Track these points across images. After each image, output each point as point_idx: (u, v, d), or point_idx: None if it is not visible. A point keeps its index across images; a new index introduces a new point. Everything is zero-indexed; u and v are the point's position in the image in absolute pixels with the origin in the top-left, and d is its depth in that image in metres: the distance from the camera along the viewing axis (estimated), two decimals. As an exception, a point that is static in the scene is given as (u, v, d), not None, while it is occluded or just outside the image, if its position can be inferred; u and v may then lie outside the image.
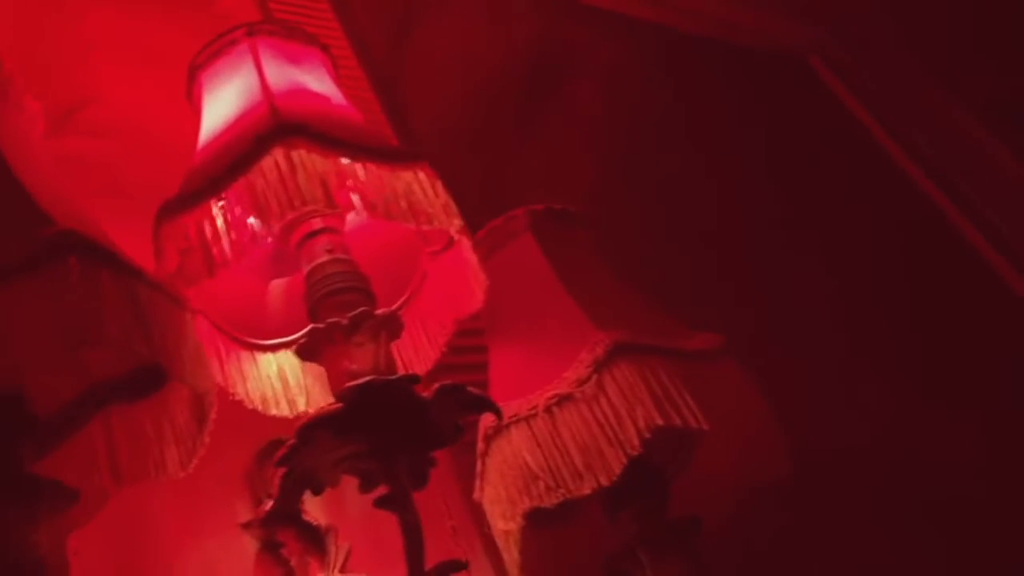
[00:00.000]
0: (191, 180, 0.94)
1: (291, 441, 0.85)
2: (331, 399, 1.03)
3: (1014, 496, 1.65)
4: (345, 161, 0.94)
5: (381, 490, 0.94)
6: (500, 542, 0.98)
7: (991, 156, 2.27)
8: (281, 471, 0.87)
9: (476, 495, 1.02)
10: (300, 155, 0.89)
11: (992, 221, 2.18)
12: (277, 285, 1.10)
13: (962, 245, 2.20)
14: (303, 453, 0.85)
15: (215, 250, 0.86)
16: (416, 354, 1.06)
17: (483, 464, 0.98)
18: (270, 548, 1.01)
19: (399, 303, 1.07)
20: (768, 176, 2.16)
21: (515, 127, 1.92)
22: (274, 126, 0.91)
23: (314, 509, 1.08)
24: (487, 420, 0.99)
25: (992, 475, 1.70)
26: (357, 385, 0.83)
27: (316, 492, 0.89)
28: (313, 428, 0.84)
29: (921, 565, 1.54)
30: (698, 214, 1.96)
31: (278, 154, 0.88)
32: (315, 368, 1.06)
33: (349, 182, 0.93)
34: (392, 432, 0.85)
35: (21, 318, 0.68)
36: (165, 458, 0.86)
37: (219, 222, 0.91)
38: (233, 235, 0.85)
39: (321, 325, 0.91)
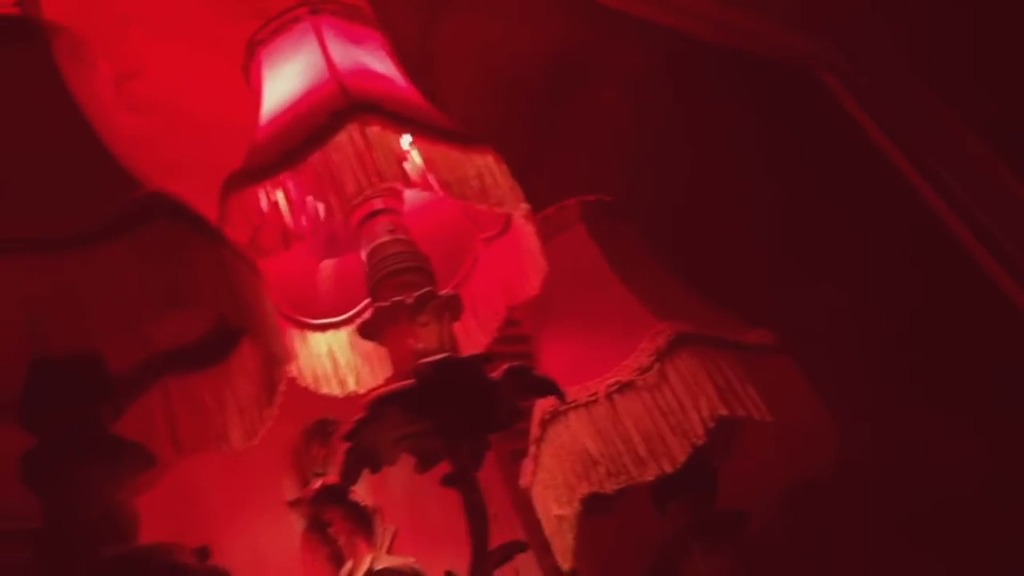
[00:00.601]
0: (259, 154, 0.94)
1: (359, 415, 0.84)
2: (379, 380, 1.04)
3: (1012, 498, 1.68)
4: (408, 140, 0.94)
5: (435, 472, 0.95)
6: (551, 527, 0.99)
7: (992, 171, 2.32)
8: (343, 446, 0.87)
9: (525, 480, 1.02)
10: (375, 132, 0.89)
11: (994, 234, 2.22)
12: (327, 265, 1.09)
13: (963, 255, 2.24)
14: (371, 428, 0.84)
15: (290, 222, 0.86)
16: (466, 339, 1.06)
17: (538, 449, 0.98)
18: (317, 527, 1.00)
19: (450, 288, 1.07)
20: (777, 183, 2.19)
21: (536, 126, 1.92)
22: (348, 103, 0.91)
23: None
24: (543, 405, 0.99)
25: (990, 477, 1.72)
26: (432, 362, 0.83)
27: (374, 470, 0.89)
28: (384, 403, 0.83)
29: (920, 566, 1.56)
30: (709, 219, 1.98)
31: (353, 130, 0.88)
32: (363, 349, 1.06)
33: (408, 161, 0.93)
34: (459, 411, 0.85)
35: (114, 279, 0.67)
36: (228, 429, 0.86)
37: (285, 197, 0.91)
38: (309, 208, 0.85)
39: (386, 304, 0.91)
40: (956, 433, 1.74)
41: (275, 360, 0.78)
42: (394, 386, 0.85)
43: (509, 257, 1.04)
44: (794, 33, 2.54)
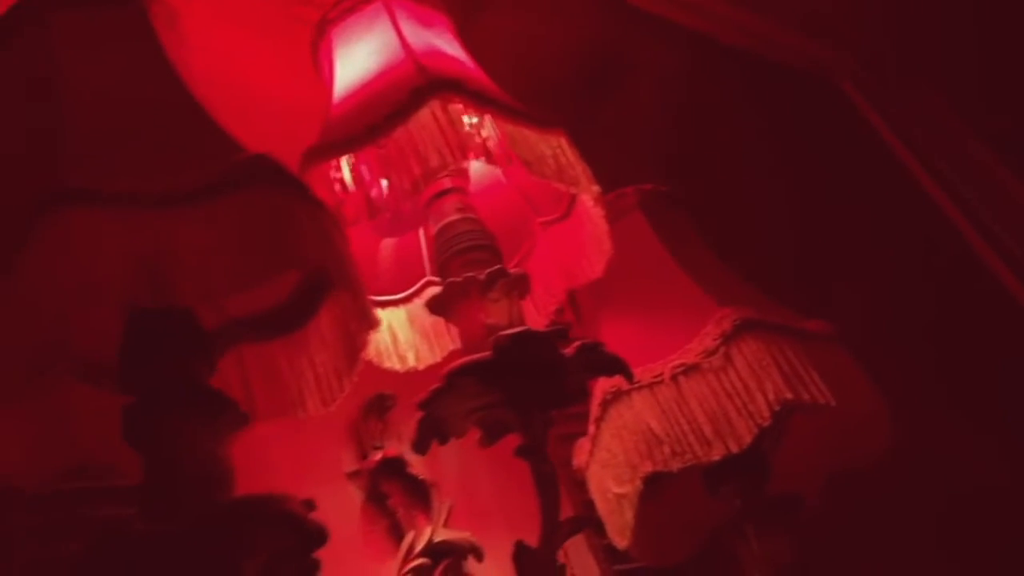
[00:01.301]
0: (338, 128, 0.95)
1: (436, 385, 0.86)
2: (438, 356, 1.06)
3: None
4: (471, 120, 0.96)
5: (485, 451, 0.96)
6: (607, 506, 1.00)
7: (1004, 185, 2.37)
8: (415, 416, 0.89)
9: (580, 460, 1.04)
10: (456, 109, 0.91)
11: (1001, 237, 2.28)
12: (387, 244, 1.11)
13: (979, 266, 2.28)
14: (445, 398, 0.86)
15: (375, 194, 0.87)
16: (523, 320, 1.08)
17: (597, 428, 1.00)
18: (376, 499, 1.01)
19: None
20: (797, 186, 2.22)
21: (569, 120, 1.94)
22: (427, 80, 0.92)
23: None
24: (603, 386, 1.01)
25: (1005, 476, 1.75)
26: (511, 334, 0.85)
27: (443, 441, 0.90)
28: (461, 374, 0.85)
29: (938, 562, 1.58)
30: (729, 219, 2.01)
31: (435, 106, 0.90)
32: (421, 326, 1.08)
33: (485, 138, 0.95)
34: (532, 384, 0.87)
35: (222, 237, 0.69)
36: (304, 397, 0.87)
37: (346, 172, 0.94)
38: (394, 181, 0.86)
39: (458, 279, 0.93)
40: (971, 435, 1.77)
41: (366, 325, 0.79)
42: (471, 357, 0.86)
43: (570, 240, 1.06)
44: (816, 43, 2.58)
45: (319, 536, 0.65)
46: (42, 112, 0.75)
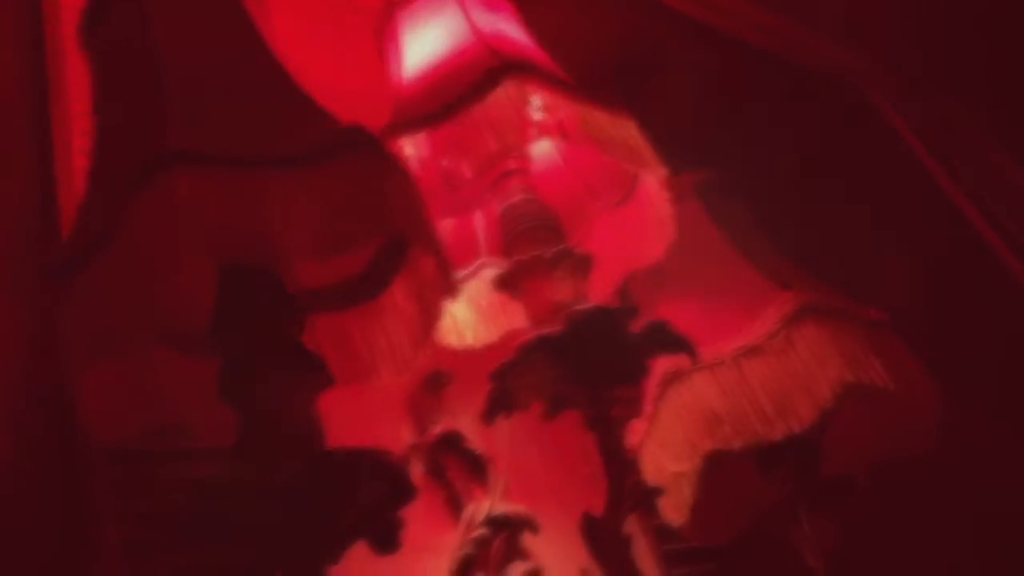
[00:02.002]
0: (412, 107, 0.97)
1: (511, 357, 0.88)
2: (494, 336, 1.08)
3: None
4: (537, 102, 0.98)
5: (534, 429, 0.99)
6: (665, 483, 1.02)
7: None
8: (485, 388, 0.91)
9: (634, 440, 1.06)
10: (528, 91, 0.93)
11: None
12: (443, 226, 1.13)
13: (1002, 270, 2.31)
14: (517, 370, 0.88)
15: (451, 170, 0.90)
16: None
17: (655, 408, 1.01)
18: (435, 472, 1.03)
19: (565, 253, 1.11)
20: (818, 192, 2.24)
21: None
22: (501, 62, 0.95)
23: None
24: (663, 366, 1.03)
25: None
26: (585, 309, 0.87)
27: (509, 413, 0.93)
28: (534, 347, 0.87)
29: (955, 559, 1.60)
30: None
31: (509, 87, 0.92)
32: (478, 305, 1.10)
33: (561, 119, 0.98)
34: (601, 358, 0.89)
35: (320, 203, 0.71)
36: (378, 364, 0.88)
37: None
38: (470, 157, 0.88)
39: (525, 257, 0.95)
40: (996, 433, 1.79)
41: (445, 292, 0.81)
42: (544, 331, 0.88)
43: (630, 224, 1.08)
44: (841, 47, 2.60)
45: (412, 490, 0.67)
46: (142, 81, 0.77)
